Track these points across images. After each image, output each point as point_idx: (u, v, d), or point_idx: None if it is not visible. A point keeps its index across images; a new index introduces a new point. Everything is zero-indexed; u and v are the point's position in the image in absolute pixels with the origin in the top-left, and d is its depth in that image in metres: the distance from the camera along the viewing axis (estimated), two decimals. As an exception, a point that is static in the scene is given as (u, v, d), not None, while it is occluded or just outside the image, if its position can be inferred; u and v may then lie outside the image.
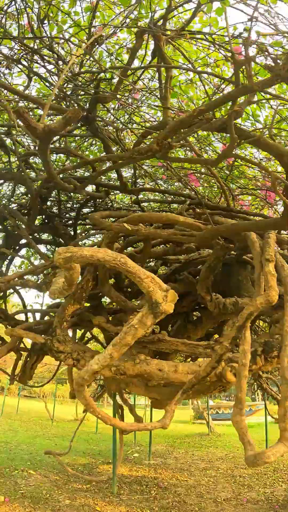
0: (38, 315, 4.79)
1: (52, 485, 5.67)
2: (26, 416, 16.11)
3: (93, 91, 2.32)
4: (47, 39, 2.34)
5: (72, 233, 4.64)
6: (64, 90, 2.29)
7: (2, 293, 4.59)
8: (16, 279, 3.31)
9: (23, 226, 3.73)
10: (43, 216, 4.75)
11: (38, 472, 6.29)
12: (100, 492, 5.49)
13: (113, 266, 1.42)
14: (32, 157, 3.64)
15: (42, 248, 6.44)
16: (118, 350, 1.51)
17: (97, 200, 4.59)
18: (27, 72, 2.50)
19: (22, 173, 3.12)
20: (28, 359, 4.92)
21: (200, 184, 3.68)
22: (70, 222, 5.05)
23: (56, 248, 1.49)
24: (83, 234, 4.79)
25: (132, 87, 2.56)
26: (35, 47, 2.35)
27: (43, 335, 3.44)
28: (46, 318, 5.44)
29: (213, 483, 6.32)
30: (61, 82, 2.34)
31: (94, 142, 4.09)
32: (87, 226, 5.38)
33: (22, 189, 4.79)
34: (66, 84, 2.34)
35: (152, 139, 2.27)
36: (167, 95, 2.35)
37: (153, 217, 2.66)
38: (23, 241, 5.33)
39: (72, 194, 5.07)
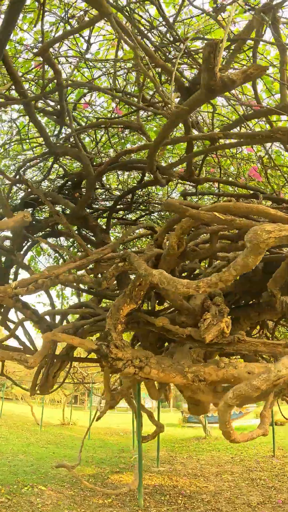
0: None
1: (71, 501, 5.19)
2: (10, 421, 15.25)
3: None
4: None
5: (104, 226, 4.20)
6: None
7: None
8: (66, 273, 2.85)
9: (66, 212, 3.26)
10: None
11: (49, 488, 5.77)
12: (125, 506, 5.08)
13: None
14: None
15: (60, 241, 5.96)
16: None
17: (134, 192, 4.18)
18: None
19: (76, 148, 2.67)
20: (50, 366, 4.42)
21: (261, 178, 3.38)
22: (97, 213, 4.60)
23: (258, 227, 1.12)
24: (127, 229, 4.34)
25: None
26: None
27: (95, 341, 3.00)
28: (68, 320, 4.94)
29: (236, 488, 6.07)
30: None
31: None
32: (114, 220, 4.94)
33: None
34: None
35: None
36: (284, 77, 2.06)
37: (240, 208, 2.31)
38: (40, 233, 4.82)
39: (104, 183, 4.61)
